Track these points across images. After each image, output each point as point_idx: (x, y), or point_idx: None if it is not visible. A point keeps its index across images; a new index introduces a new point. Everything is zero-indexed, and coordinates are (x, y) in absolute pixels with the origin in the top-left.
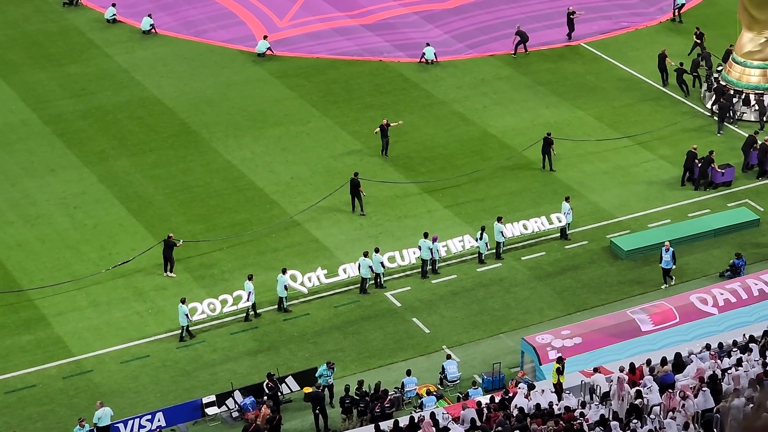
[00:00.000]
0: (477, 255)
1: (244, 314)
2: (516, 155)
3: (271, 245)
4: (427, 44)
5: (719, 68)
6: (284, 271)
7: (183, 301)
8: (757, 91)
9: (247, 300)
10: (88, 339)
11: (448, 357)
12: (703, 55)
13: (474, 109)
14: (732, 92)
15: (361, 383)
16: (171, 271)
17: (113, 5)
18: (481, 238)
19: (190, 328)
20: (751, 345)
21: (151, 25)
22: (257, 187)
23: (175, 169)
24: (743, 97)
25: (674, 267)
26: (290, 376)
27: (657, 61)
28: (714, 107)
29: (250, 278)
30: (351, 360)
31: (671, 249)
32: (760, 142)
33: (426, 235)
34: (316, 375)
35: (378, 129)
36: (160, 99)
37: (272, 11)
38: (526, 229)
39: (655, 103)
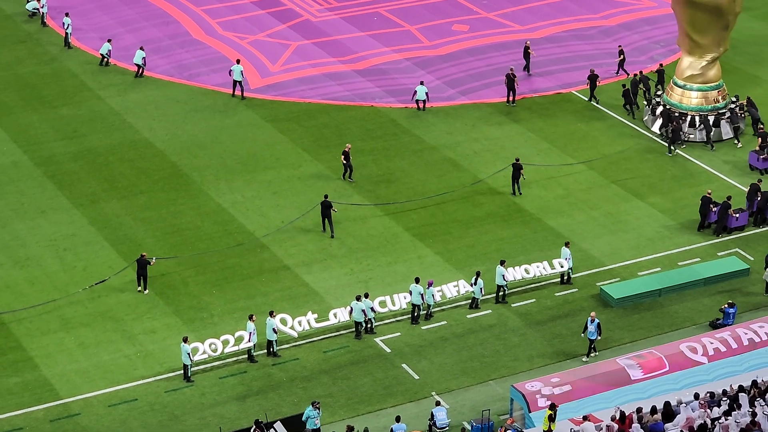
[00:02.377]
0: (471, 300)
1: (246, 355)
2: (507, 201)
3: (261, 289)
4: (421, 82)
5: (659, 92)
6: (272, 314)
7: (185, 340)
8: (700, 113)
9: (249, 341)
10: (76, 381)
11: (438, 403)
12: (641, 78)
13: (465, 155)
14: (677, 114)
15: (350, 429)
16: (145, 289)
17: (109, 41)
18: (475, 284)
19: (191, 369)
20: (740, 395)
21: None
22: (248, 231)
23: (165, 212)
24: (688, 119)
25: (599, 338)
26: (279, 422)
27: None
28: (664, 130)
29: (251, 318)
30: (340, 405)
31: (597, 320)
32: (763, 190)
33: (417, 281)
34: (303, 419)
35: (342, 155)
36: (151, 142)
37: (265, 56)
38: (527, 273)
39: (645, 152)
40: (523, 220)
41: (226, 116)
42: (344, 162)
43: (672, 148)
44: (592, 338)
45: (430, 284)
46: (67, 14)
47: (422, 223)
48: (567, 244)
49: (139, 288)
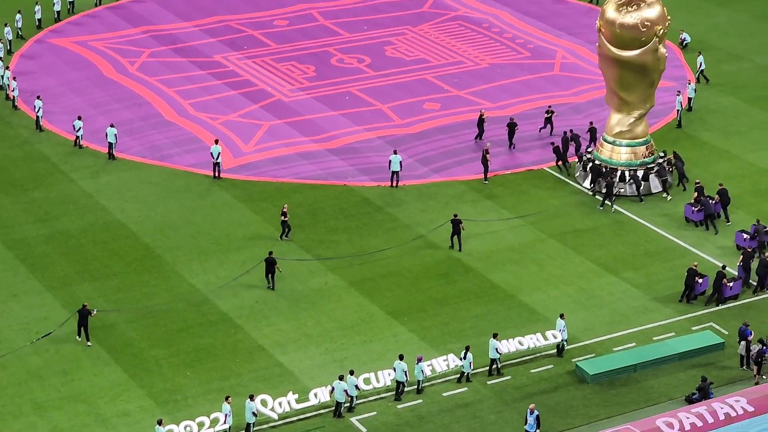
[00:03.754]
0: (460, 375)
1: None
2: (480, 279)
3: (235, 370)
4: (394, 151)
5: (589, 149)
6: (251, 398)
7: (160, 423)
8: (630, 168)
9: (224, 423)
10: None
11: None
12: (572, 136)
13: (438, 232)
14: (607, 170)
15: None
16: (87, 340)
17: (79, 118)
18: (465, 358)
19: None
20: None
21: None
22: (221, 312)
23: (138, 293)
24: (619, 174)
25: (538, 431)
26: None
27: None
28: (597, 186)
29: (227, 399)
30: None
31: (536, 412)
32: (760, 257)
33: (401, 357)
34: None
35: (281, 215)
36: (124, 223)
37: (238, 136)
38: (521, 345)
39: (618, 227)
40: (497, 297)
41: (199, 197)
42: (283, 221)
43: (606, 202)
44: (530, 431)
45: (419, 360)
46: (38, 97)
47: (396, 301)
48: (562, 316)
49: (79, 338)
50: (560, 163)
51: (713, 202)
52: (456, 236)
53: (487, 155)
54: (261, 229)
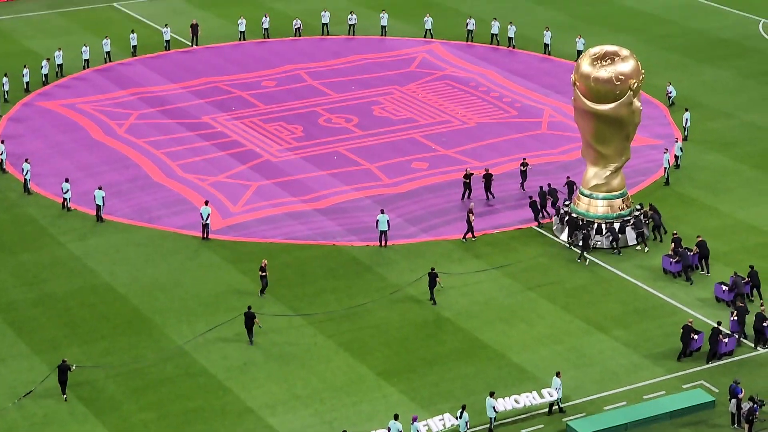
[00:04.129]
0: None
1: None
2: (469, 338)
3: None
4: (381, 211)
5: (567, 202)
6: None
7: None
8: (606, 221)
9: None
10: None
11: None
12: (549, 190)
13: (427, 292)
14: (584, 222)
15: None
16: (64, 393)
17: (66, 180)
18: (461, 417)
19: None
20: None
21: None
22: (210, 374)
23: (127, 356)
24: (595, 226)
25: None
26: None
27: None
28: (573, 239)
29: None
30: None
31: None
32: (758, 311)
33: (396, 417)
34: None
35: (259, 269)
36: (112, 286)
37: (226, 197)
38: (517, 403)
39: (607, 285)
40: (487, 356)
41: (188, 258)
42: (261, 276)
43: (583, 255)
44: None
45: (414, 419)
46: (26, 160)
47: (386, 361)
48: (558, 374)
49: (65, 395)
50: (538, 216)
51: (691, 253)
52: (431, 289)
53: (471, 215)
54: (250, 290)
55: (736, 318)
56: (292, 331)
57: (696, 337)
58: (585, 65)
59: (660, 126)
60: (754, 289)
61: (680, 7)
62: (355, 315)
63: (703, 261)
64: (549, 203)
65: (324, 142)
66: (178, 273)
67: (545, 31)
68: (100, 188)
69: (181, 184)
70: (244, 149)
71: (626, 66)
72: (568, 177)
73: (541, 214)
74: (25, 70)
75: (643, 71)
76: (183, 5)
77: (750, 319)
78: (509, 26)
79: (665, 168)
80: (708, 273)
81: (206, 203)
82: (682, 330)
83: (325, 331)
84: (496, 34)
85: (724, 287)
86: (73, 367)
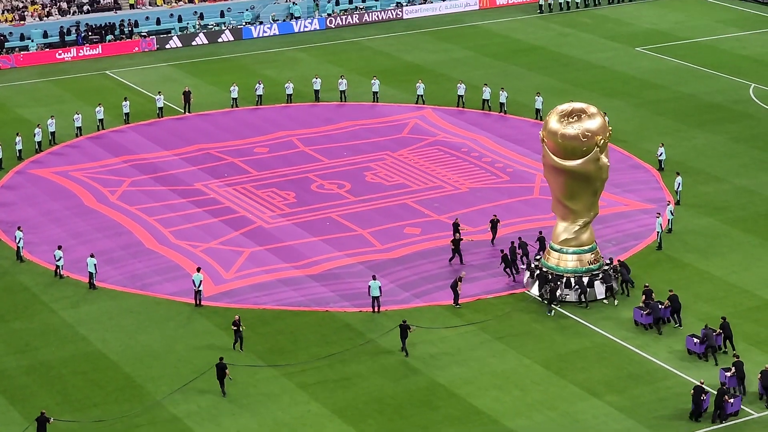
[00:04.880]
0: None
1: None
2: (463, 404)
3: None
4: (373, 277)
5: (537, 256)
6: None
7: None
8: (575, 275)
9: None
10: None
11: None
12: (520, 244)
13: (421, 358)
14: (553, 276)
15: None
16: None
17: (59, 248)
18: None
19: None
20: None
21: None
22: None
23: (120, 424)
24: (564, 280)
25: None
26: None
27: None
28: (543, 292)
29: None
30: None
31: None
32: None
33: None
34: None
35: (232, 324)
36: (104, 353)
37: (218, 263)
38: None
39: (600, 350)
40: (481, 422)
41: (180, 325)
42: (234, 330)
43: (551, 307)
44: None
45: None
46: (19, 228)
47: (380, 429)
48: None
49: None
50: (508, 269)
51: (662, 306)
52: (402, 340)
53: (459, 282)
54: (243, 357)
55: (732, 375)
56: (285, 397)
57: (704, 397)
58: (553, 122)
59: (652, 190)
60: (727, 341)
61: (671, 71)
62: (348, 381)
63: (675, 315)
64: (519, 257)
65: (316, 208)
66: (171, 340)
67: (537, 97)
68: (92, 256)
69: (174, 250)
70: (236, 215)
71: (593, 123)
72: (540, 232)
73: (512, 269)
74: (18, 138)
75: (610, 128)
76: (175, 73)
77: (748, 373)
78: (501, 92)
79: (658, 232)
80: (680, 326)
81: (198, 270)
82: (693, 391)
83: (318, 398)
84: (488, 100)
85: (695, 339)
86: (51, 420)
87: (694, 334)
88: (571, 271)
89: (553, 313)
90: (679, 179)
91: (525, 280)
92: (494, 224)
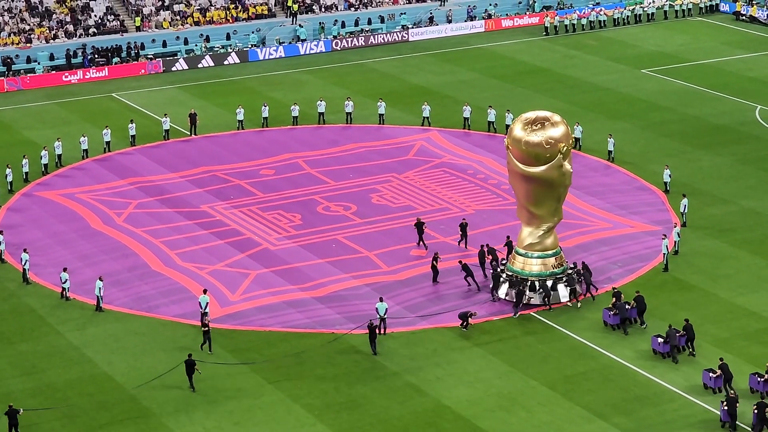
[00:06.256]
0: None
1: None
2: (470, 426)
3: None
4: (380, 299)
5: (504, 261)
6: None
7: None
8: (540, 278)
9: None
10: None
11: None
12: (489, 249)
13: (427, 380)
14: (518, 279)
15: None
16: None
17: (65, 270)
18: None
19: None
20: None
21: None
22: None
23: None
24: (529, 284)
25: None
26: None
27: None
28: (507, 296)
29: None
30: None
31: None
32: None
33: None
34: None
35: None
36: (110, 375)
37: (225, 286)
38: None
39: (605, 371)
40: None
41: (186, 347)
42: (204, 331)
43: (516, 310)
44: None
45: None
46: (25, 250)
47: None
48: None
49: None
50: (470, 278)
51: (629, 307)
52: (372, 341)
53: (435, 262)
54: (248, 380)
55: (726, 409)
56: (290, 419)
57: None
58: (517, 129)
59: (658, 212)
60: (689, 342)
61: (677, 93)
62: (354, 403)
63: (641, 315)
64: (488, 261)
65: (322, 230)
66: (177, 361)
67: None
68: (100, 279)
69: (180, 272)
70: (242, 237)
71: (556, 131)
72: (507, 236)
73: (474, 278)
74: (25, 161)
75: (572, 135)
76: (181, 95)
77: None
78: (506, 113)
79: (664, 254)
80: (644, 325)
81: (204, 292)
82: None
83: (324, 420)
84: (493, 122)
85: (659, 339)
86: (21, 411)
87: (659, 334)
88: (535, 275)
89: (518, 315)
90: (685, 201)
91: (491, 285)
92: (463, 228)
